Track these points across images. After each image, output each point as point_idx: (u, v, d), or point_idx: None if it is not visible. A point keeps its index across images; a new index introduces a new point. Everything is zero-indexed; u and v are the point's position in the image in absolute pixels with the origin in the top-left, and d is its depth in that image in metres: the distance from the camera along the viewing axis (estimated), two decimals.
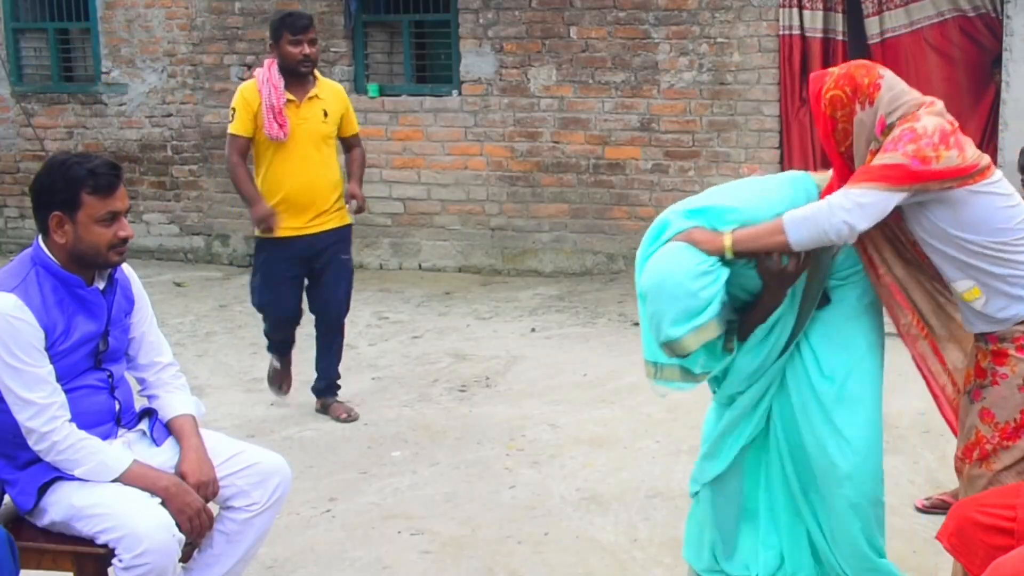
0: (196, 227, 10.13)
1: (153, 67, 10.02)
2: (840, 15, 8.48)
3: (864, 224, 3.10)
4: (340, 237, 5.73)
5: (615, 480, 4.94)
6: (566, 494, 4.81)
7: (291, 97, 5.49)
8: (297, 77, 5.50)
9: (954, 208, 3.12)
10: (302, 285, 5.76)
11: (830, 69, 3.34)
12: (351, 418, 5.74)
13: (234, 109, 5.53)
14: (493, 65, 9.11)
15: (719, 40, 8.59)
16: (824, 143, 3.31)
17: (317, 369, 5.90)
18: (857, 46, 8.54)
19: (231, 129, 5.55)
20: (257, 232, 5.66)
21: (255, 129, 5.50)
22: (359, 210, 5.77)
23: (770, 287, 3.29)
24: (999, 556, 2.63)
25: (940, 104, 3.25)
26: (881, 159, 3.11)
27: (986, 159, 3.19)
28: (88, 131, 10.26)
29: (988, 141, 8.37)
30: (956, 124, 3.20)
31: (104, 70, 10.16)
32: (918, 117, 3.16)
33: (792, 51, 8.47)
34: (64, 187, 3.15)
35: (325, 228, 5.65)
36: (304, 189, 5.55)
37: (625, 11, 8.75)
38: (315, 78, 5.61)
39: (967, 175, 3.11)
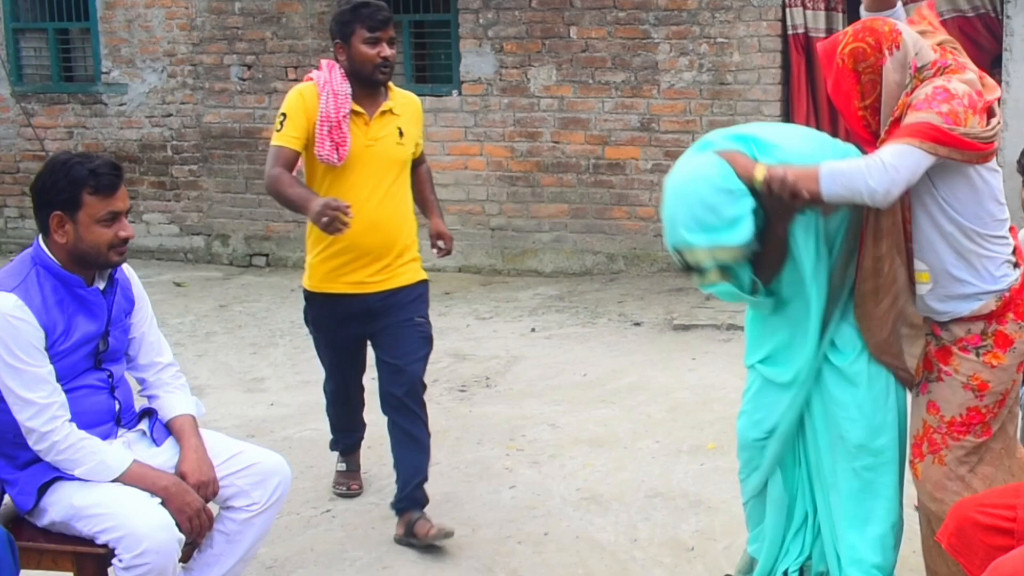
0: (196, 227, 10.14)
1: (153, 67, 10.02)
2: (841, 15, 8.49)
3: (897, 190, 3.04)
4: (414, 296, 4.49)
5: (615, 480, 4.94)
6: (566, 494, 4.81)
7: (359, 109, 4.30)
8: (370, 86, 4.32)
9: (954, 176, 3.12)
10: (363, 355, 4.69)
11: (837, 35, 3.29)
12: (440, 534, 4.30)
13: (284, 115, 4.28)
14: (493, 65, 9.11)
15: (719, 40, 8.60)
16: (843, 102, 3.22)
17: (397, 471, 4.50)
18: None
19: (277, 139, 4.29)
20: (313, 247, 4.39)
21: (308, 144, 4.29)
22: (446, 252, 4.59)
23: (774, 218, 3.25)
24: (999, 556, 2.63)
25: (969, 73, 3.21)
26: (915, 116, 3.06)
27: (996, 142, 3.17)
28: (88, 131, 10.26)
29: None
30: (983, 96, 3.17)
31: (104, 70, 10.16)
32: (950, 78, 3.13)
33: (799, 50, 8.49)
34: (66, 187, 3.15)
35: (394, 285, 4.42)
36: (372, 229, 4.29)
37: (625, 11, 8.76)
38: (387, 88, 4.43)
39: (987, 152, 3.10)
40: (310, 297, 4.52)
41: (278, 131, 4.30)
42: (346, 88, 4.29)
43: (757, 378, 3.56)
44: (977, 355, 3.23)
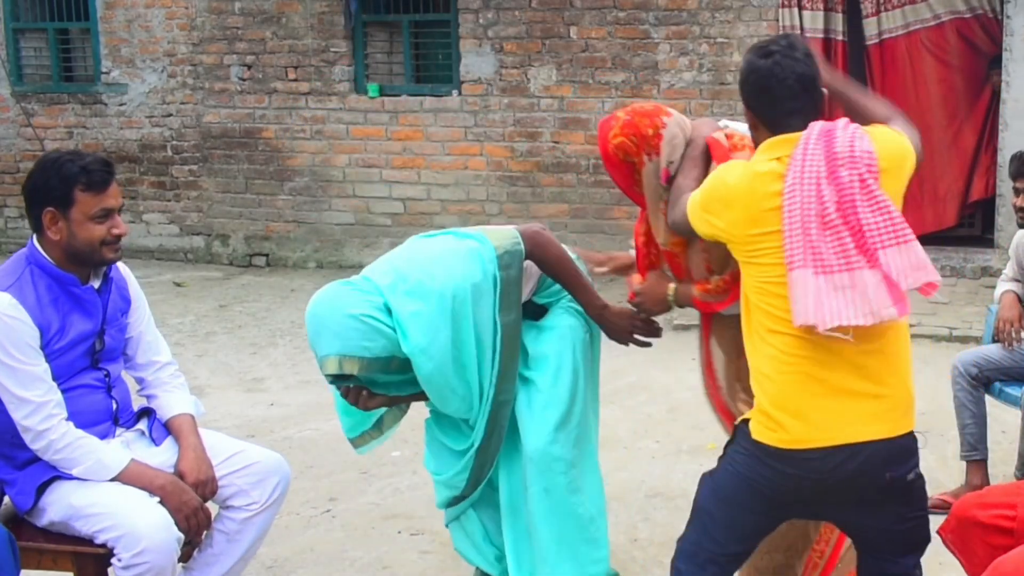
0: (196, 227, 10.14)
1: (153, 67, 10.02)
2: (840, 15, 8.48)
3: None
4: None
5: (615, 480, 4.93)
6: None
7: None
8: None
9: None
10: None
11: (616, 113, 3.30)
12: None
13: None
14: (493, 65, 9.11)
15: (719, 40, 8.60)
16: (622, 184, 3.30)
17: None
18: (856, 47, 8.55)
19: None
20: None
21: None
22: None
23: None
24: (998, 555, 2.63)
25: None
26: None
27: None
28: (88, 131, 10.27)
29: (987, 142, 8.39)
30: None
31: (104, 70, 10.16)
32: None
33: None
34: (58, 184, 3.15)
35: None
36: None
37: (625, 11, 8.76)
38: None
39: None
40: None
41: None
42: None
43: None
44: None
